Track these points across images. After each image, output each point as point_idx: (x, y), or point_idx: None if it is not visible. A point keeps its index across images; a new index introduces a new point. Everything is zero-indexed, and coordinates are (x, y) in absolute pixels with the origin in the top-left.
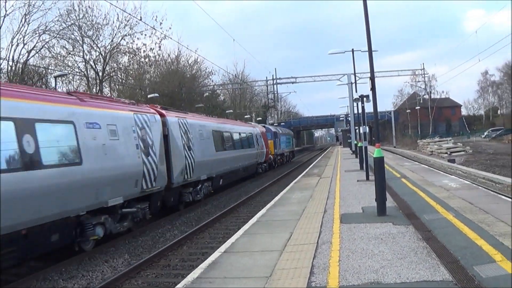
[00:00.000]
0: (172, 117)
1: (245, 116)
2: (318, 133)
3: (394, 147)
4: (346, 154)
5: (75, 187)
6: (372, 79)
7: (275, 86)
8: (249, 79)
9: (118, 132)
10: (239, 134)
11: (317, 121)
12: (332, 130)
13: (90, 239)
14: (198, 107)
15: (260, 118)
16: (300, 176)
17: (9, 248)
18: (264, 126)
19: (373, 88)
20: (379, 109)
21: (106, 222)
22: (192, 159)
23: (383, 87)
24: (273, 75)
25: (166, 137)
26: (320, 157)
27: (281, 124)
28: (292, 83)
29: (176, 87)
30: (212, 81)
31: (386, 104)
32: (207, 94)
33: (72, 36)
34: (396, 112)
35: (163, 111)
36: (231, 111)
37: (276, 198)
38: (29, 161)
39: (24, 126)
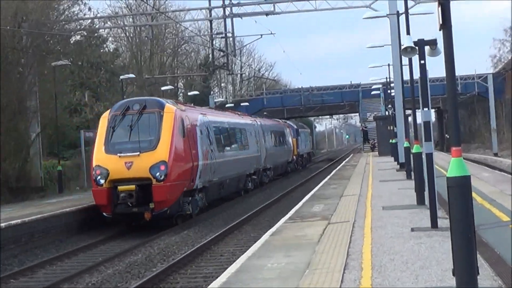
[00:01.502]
0: (260, 122)
1: (163, 89)
2: (323, 124)
3: (495, 154)
4: (385, 170)
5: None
6: (444, 4)
7: (228, 21)
8: (171, 6)
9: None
10: (281, 133)
11: (322, 98)
12: (355, 119)
13: (248, 187)
14: (59, 67)
15: (196, 92)
16: (283, 220)
17: (226, 185)
18: (285, 122)
19: (445, 23)
20: (459, 72)
21: (256, 178)
22: (266, 150)
23: (467, 22)
24: None
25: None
26: (327, 178)
27: (242, 105)
28: (266, 15)
29: (9, 24)
30: (90, 10)
31: (476, 60)
32: (78, 38)
33: None
34: (498, 78)
35: (256, 118)
36: (132, 75)
37: (236, 265)
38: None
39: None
